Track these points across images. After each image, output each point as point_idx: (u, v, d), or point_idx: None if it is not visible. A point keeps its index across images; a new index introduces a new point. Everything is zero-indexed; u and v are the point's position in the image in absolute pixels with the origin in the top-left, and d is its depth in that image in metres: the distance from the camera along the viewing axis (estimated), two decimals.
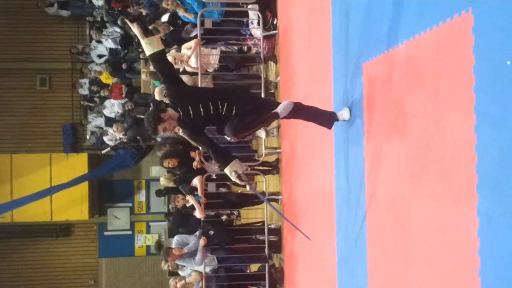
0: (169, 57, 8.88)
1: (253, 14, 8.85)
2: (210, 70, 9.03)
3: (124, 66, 13.45)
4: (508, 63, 2.97)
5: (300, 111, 5.33)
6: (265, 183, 9.18)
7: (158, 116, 4.93)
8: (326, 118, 5.48)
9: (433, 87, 3.82)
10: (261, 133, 8.76)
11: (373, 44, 4.89)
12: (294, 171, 7.87)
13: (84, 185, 15.36)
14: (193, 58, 8.74)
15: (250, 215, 10.14)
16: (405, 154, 4.26)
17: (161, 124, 4.93)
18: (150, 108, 9.83)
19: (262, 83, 8.81)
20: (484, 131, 3.19)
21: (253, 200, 9.10)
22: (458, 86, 3.48)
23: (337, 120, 5.44)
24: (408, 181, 4.21)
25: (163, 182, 9.69)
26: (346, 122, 5.44)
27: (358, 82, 5.24)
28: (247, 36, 9.17)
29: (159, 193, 10.44)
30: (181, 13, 9.11)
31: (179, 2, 9.04)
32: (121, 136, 12.92)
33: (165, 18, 9.66)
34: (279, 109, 5.13)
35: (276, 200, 8.88)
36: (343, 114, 5.41)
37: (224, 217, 9.77)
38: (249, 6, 8.93)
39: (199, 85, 8.60)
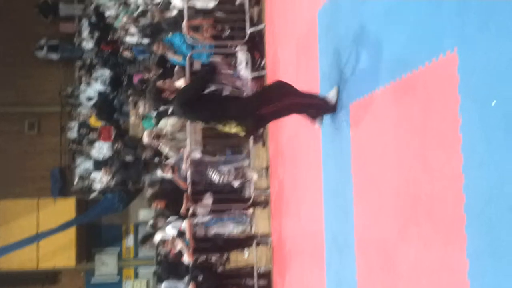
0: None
1: (242, 55, 8.88)
2: None
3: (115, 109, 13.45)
4: (494, 103, 2.96)
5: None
6: (254, 225, 9.09)
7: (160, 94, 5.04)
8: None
9: (420, 127, 3.80)
10: (253, 174, 8.72)
11: (360, 84, 4.90)
12: (283, 211, 7.80)
13: (72, 231, 15.13)
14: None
15: (239, 258, 10.00)
16: (394, 194, 4.21)
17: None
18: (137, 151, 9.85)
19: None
20: (471, 171, 3.15)
21: (242, 243, 8.99)
22: (444, 125, 3.46)
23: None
24: (397, 221, 4.15)
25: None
26: (334, 159, 5.40)
27: (345, 122, 5.22)
28: (236, 77, 9.18)
29: (144, 239, 10.20)
30: (170, 55, 9.15)
31: (168, 44, 9.08)
32: (109, 180, 12.82)
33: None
34: None
35: (266, 242, 8.78)
36: (331, 94, 5.41)
37: (213, 259, 9.62)
38: (238, 48, 8.96)
39: (188, 129, 8.60)
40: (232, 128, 5.06)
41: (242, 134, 5.18)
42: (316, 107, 5.47)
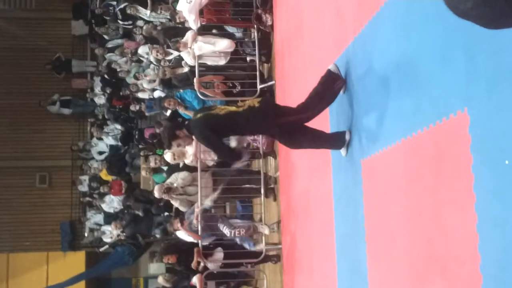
0: (169, 153, 8.99)
1: None
2: (210, 164, 9.08)
3: (125, 164, 13.55)
4: (507, 162, 2.98)
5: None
6: (266, 280, 9.04)
7: (174, 132, 5.02)
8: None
9: (433, 185, 3.82)
10: (264, 228, 8.72)
11: (372, 140, 4.94)
12: (296, 267, 7.75)
13: (81, 284, 15.05)
14: (189, 153, 8.83)
15: None
16: (408, 252, 4.20)
17: (175, 140, 5.03)
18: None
19: (262, 178, 8.84)
20: (486, 230, 3.15)
21: None
22: (457, 184, 3.48)
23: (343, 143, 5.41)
24: (411, 280, 4.13)
25: (161, 281, 9.53)
26: (346, 215, 5.41)
27: (357, 179, 5.25)
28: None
29: None
30: (181, 111, 9.28)
31: (179, 100, 9.23)
32: (119, 233, 12.81)
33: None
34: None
35: None
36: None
37: None
38: None
39: (199, 181, 8.64)
40: (249, 101, 5.12)
41: (257, 104, 5.13)
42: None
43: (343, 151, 5.45)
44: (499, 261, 3.05)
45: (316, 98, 5.34)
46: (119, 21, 13.82)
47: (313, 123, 5.49)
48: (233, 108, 5.09)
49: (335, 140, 5.48)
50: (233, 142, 8.15)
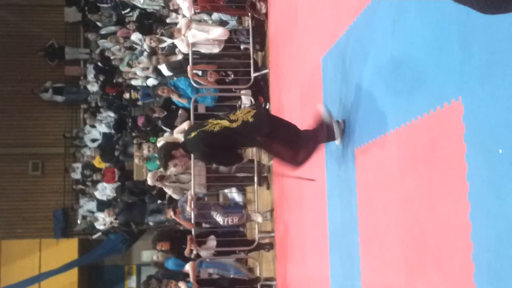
0: (162, 142, 8.99)
1: (246, 99, 9.00)
2: None
3: (116, 152, 13.52)
4: (501, 151, 2.99)
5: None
6: (258, 268, 9.07)
7: (170, 153, 4.99)
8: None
9: (426, 174, 3.83)
10: (257, 217, 8.74)
11: (365, 129, 4.94)
12: (288, 255, 7.77)
13: (74, 271, 15.10)
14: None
15: None
16: (400, 241, 4.22)
17: (172, 160, 5.00)
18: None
19: (255, 166, 8.85)
20: (479, 219, 3.17)
21: (246, 285, 8.95)
22: (451, 173, 3.49)
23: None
24: (404, 269, 4.15)
25: (157, 260, 9.69)
26: (339, 205, 5.42)
27: (350, 167, 5.26)
28: None
29: (148, 281, 10.21)
30: (175, 98, 9.26)
31: (173, 88, 9.20)
32: (113, 221, 12.83)
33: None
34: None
35: (270, 286, 8.74)
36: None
37: None
38: (242, 92, 9.08)
39: (192, 169, 8.64)
40: (242, 114, 5.07)
41: (251, 119, 5.05)
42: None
43: (337, 140, 5.46)
44: (491, 250, 3.06)
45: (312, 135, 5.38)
46: (120, 9, 13.79)
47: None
48: (226, 124, 5.00)
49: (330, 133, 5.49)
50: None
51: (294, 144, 5.25)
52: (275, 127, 5.24)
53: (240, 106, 9.18)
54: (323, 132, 5.36)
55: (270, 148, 5.50)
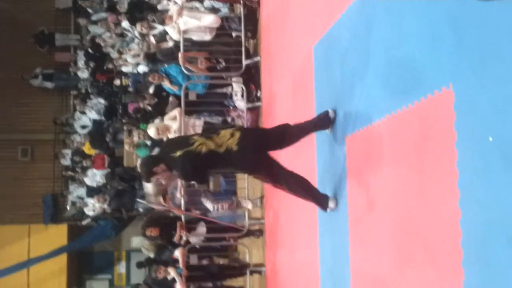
0: (153, 128, 8.99)
1: (237, 87, 9.01)
2: None
3: (108, 138, 13.49)
4: (491, 139, 3.03)
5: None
6: (248, 254, 9.13)
7: (151, 170, 5.00)
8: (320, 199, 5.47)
9: (416, 161, 3.87)
10: (247, 203, 8.78)
11: (356, 117, 4.97)
12: (278, 242, 7.82)
13: (63, 257, 15.11)
14: (173, 128, 8.84)
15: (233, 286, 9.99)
16: (390, 229, 4.27)
17: (154, 176, 5.02)
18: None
19: None
20: (468, 206, 3.21)
21: (236, 271, 9.03)
22: (441, 161, 3.53)
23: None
24: (393, 255, 4.20)
25: (147, 246, 9.72)
26: (329, 192, 5.46)
27: (341, 155, 5.29)
28: (231, 107, 9.29)
29: (140, 265, 10.35)
30: (166, 85, 9.25)
31: (164, 75, 9.19)
32: (105, 207, 12.83)
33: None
34: None
35: (259, 272, 8.80)
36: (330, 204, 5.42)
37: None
38: (233, 79, 9.09)
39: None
40: (226, 138, 5.07)
41: (235, 147, 4.99)
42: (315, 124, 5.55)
43: (328, 130, 5.50)
44: (480, 237, 3.11)
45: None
46: None
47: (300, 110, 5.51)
48: (212, 146, 4.96)
49: (322, 123, 5.52)
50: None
51: (275, 180, 5.34)
52: (258, 161, 5.21)
53: (231, 96, 9.18)
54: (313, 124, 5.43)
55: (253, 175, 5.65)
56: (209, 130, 5.23)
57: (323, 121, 5.45)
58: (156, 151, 9.82)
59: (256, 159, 5.15)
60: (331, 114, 5.40)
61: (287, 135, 5.33)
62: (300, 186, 5.32)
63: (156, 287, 9.05)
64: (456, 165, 3.33)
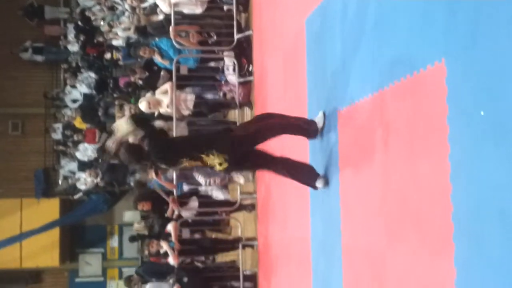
0: (144, 102, 8.94)
1: (229, 61, 8.95)
2: (186, 113, 9.03)
3: (100, 112, 13.43)
4: (482, 113, 3.03)
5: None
6: (240, 228, 9.16)
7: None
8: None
9: (407, 136, 3.87)
10: (239, 178, 8.77)
11: (348, 91, 4.96)
12: (270, 216, 7.85)
13: (55, 231, 15.14)
14: (164, 102, 8.79)
15: (225, 259, 10.06)
16: (381, 203, 4.28)
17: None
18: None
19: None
20: (459, 180, 3.22)
21: (228, 244, 9.08)
22: (432, 135, 3.53)
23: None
24: (385, 230, 4.22)
25: (138, 228, 9.65)
26: (321, 166, 5.47)
27: (333, 129, 5.29)
28: (223, 82, 9.24)
29: (132, 239, 10.38)
30: (157, 59, 9.17)
31: (155, 48, 9.10)
32: (98, 181, 12.82)
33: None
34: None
35: (252, 246, 8.84)
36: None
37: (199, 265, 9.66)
38: (225, 53, 9.02)
39: (174, 130, 8.61)
40: (214, 159, 5.07)
41: (224, 166, 5.05)
42: (297, 128, 5.49)
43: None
44: (471, 211, 3.12)
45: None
46: None
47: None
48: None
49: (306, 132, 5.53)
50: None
51: (262, 169, 5.53)
52: (243, 158, 5.23)
53: (222, 70, 9.11)
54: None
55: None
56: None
57: (309, 131, 5.48)
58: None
59: (241, 157, 5.18)
60: (319, 124, 5.42)
61: (268, 134, 5.33)
62: (288, 171, 5.38)
63: (148, 276, 9.10)
64: (448, 139, 3.33)
